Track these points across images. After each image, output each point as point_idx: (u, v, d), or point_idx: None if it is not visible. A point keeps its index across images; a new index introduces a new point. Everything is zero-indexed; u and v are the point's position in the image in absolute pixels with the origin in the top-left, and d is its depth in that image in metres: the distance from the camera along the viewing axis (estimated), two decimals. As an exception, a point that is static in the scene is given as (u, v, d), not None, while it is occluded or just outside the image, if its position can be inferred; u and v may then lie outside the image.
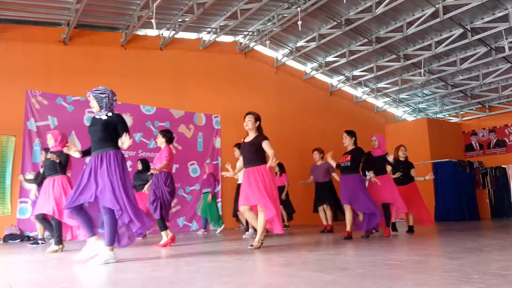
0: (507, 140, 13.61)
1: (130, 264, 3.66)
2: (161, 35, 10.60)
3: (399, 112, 15.55)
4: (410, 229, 6.94)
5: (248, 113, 5.04)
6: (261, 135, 4.93)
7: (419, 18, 9.64)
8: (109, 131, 3.82)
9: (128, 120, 9.04)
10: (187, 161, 9.78)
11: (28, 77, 8.59)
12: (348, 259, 3.58)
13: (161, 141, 5.75)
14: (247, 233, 6.96)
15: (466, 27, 9.77)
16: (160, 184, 5.53)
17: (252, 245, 4.64)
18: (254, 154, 4.83)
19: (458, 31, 10.01)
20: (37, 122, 8.34)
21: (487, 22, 9.51)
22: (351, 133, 6.07)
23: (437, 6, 9.10)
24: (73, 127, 8.48)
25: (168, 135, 5.81)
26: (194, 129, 10.16)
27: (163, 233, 5.54)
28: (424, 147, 13.17)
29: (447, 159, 12.71)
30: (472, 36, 9.93)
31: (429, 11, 9.36)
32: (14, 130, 8.28)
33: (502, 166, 13.64)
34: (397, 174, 6.72)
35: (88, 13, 8.99)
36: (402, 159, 7.14)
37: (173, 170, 9.17)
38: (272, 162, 4.59)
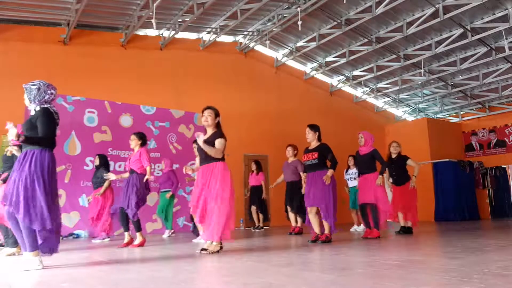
0: (507, 140, 13.60)
1: (130, 264, 3.66)
2: (161, 35, 10.61)
3: (399, 112, 15.55)
4: (402, 230, 6.48)
5: (207, 107, 4.53)
6: (218, 132, 4.46)
7: (419, 18, 9.64)
8: (34, 129, 3.45)
9: (128, 120, 9.03)
10: (187, 161, 9.75)
11: (28, 77, 8.50)
12: (348, 259, 3.58)
13: (136, 143, 5.67)
14: (198, 237, 6.23)
15: (466, 27, 9.77)
16: (142, 186, 5.51)
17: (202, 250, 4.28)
18: None
19: (458, 31, 10.01)
20: (37, 122, 8.32)
21: (487, 22, 9.51)
22: (314, 128, 5.57)
23: (437, 6, 9.10)
24: (73, 127, 8.45)
25: (144, 138, 5.78)
26: (194, 129, 10.12)
27: (138, 234, 5.54)
28: (424, 147, 13.16)
29: (447, 159, 12.71)
30: (472, 36, 9.93)
31: (429, 11, 9.36)
32: (14, 130, 8.27)
33: (502, 166, 13.65)
34: (380, 179, 5.89)
35: (88, 13, 9.00)
36: (394, 155, 6.71)
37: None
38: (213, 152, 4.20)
